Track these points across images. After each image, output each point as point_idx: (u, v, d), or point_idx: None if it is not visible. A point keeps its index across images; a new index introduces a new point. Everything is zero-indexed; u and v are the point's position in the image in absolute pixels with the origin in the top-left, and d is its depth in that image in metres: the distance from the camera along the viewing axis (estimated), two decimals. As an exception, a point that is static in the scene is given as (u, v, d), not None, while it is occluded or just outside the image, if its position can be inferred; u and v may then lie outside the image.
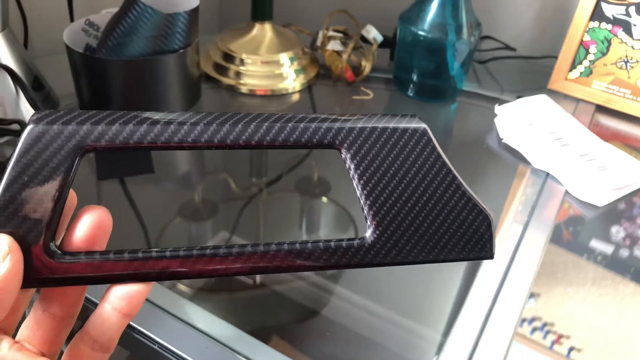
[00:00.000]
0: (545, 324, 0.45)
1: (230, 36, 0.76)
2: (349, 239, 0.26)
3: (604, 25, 0.72)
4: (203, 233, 0.53)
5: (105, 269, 0.23)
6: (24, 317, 0.25)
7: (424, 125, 0.26)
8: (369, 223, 0.26)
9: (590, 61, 0.74)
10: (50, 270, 0.23)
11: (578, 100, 0.76)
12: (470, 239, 0.27)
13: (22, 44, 0.60)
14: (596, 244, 0.54)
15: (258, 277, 0.47)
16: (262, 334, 0.41)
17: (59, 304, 0.24)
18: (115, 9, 0.59)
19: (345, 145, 0.25)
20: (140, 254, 0.23)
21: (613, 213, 0.57)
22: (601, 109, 0.75)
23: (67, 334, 0.24)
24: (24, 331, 0.24)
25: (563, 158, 0.61)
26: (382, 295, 0.47)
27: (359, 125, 0.25)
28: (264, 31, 0.76)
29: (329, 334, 0.42)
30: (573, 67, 0.75)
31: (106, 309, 0.23)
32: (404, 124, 0.26)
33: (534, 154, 0.62)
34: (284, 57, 0.74)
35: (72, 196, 0.24)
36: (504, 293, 0.46)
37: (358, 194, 0.25)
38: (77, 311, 0.25)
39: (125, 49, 0.58)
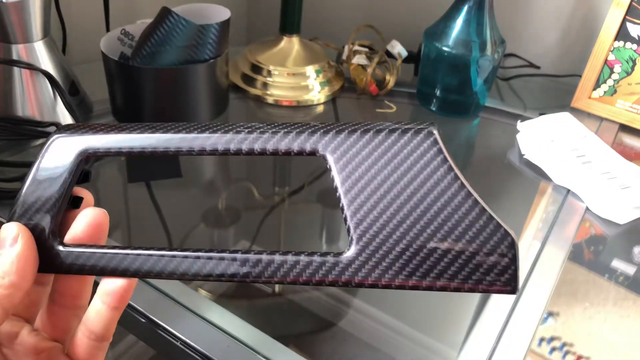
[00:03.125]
0: (564, 344, 0.44)
1: (258, 48, 0.78)
2: (322, 253, 0.22)
3: (629, 45, 0.72)
4: (224, 240, 0.54)
5: (97, 261, 0.25)
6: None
7: (429, 128, 0.22)
8: (350, 236, 0.22)
9: (614, 80, 0.74)
10: (53, 257, 0.25)
11: (601, 119, 0.76)
12: (481, 265, 0.21)
13: (61, 51, 0.63)
14: (618, 264, 0.53)
15: (277, 286, 0.48)
16: (281, 337, 0.41)
17: (65, 295, 0.26)
18: (149, 20, 0.61)
19: (329, 149, 0.22)
20: (127, 251, 0.25)
21: (634, 232, 0.57)
22: (625, 128, 0.74)
23: (76, 324, 0.26)
24: (38, 321, 0.27)
25: (585, 175, 0.61)
26: (396, 307, 0.47)
27: (348, 128, 0.22)
28: (292, 44, 0.77)
29: (347, 337, 0.43)
30: (597, 86, 0.75)
31: (97, 304, 0.25)
32: (404, 126, 0.22)
33: (556, 170, 0.62)
34: (310, 70, 0.75)
35: (89, 198, 0.27)
36: (520, 309, 0.45)
37: (340, 202, 0.22)
38: (83, 304, 0.27)
39: (158, 58, 0.59)
